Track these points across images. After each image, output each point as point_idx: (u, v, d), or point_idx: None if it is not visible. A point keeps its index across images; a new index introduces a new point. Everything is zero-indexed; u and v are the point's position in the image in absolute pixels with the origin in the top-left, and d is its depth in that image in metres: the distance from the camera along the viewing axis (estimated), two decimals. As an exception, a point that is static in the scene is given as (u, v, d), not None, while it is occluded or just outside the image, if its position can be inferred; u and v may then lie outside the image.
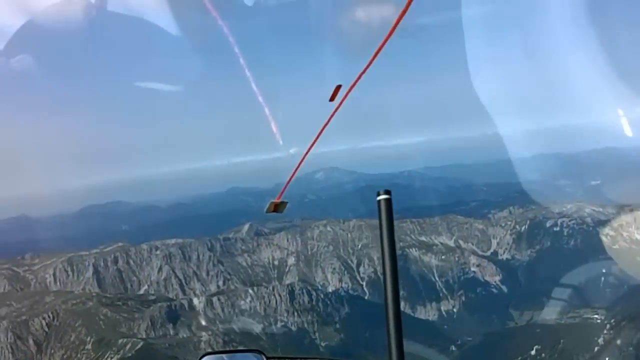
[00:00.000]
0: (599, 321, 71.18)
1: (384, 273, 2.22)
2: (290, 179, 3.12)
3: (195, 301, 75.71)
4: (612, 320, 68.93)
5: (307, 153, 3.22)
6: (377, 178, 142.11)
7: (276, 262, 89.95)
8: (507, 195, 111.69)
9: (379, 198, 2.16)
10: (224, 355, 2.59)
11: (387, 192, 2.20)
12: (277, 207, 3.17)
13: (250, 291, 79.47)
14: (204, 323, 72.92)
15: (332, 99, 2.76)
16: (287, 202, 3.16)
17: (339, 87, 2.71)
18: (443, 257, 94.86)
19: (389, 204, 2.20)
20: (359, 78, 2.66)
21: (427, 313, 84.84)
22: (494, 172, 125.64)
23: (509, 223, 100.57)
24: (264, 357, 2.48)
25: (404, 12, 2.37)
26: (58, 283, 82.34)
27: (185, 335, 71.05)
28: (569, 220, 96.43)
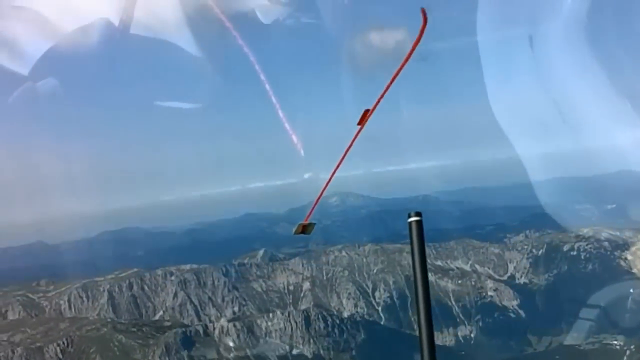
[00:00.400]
0: (618, 347, 69.36)
1: (415, 294, 2.24)
2: (317, 201, 3.13)
3: (210, 327, 74.69)
4: (632, 347, 67.15)
5: (332, 175, 3.24)
6: (391, 203, 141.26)
7: (291, 287, 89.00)
8: (522, 219, 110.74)
9: (410, 220, 2.17)
10: None
11: (418, 214, 2.20)
12: (305, 229, 3.19)
13: (266, 317, 78.42)
14: (219, 349, 71.81)
15: (360, 122, 2.76)
16: (314, 224, 3.18)
17: (367, 112, 2.70)
18: (459, 281, 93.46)
19: (420, 226, 2.22)
20: (378, 102, 2.71)
21: (444, 339, 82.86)
22: (509, 195, 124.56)
23: (526, 247, 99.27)
24: None
25: (419, 38, 2.44)
26: (73, 309, 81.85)
27: None
28: (586, 244, 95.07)
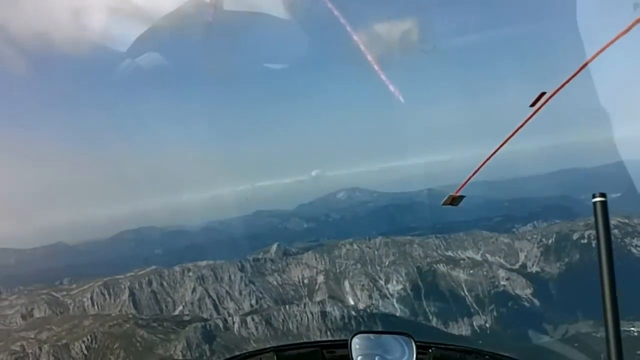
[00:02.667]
0: (636, 333, 68.13)
1: (600, 277, 1.98)
2: (472, 175, 2.83)
3: (230, 321, 74.42)
4: (650, 332, 66.06)
5: (495, 152, 2.87)
6: (398, 197, 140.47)
7: (306, 281, 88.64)
8: (530, 210, 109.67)
9: (594, 200, 1.89)
10: (371, 335, 2.29)
11: (603, 194, 1.96)
12: (454, 200, 2.96)
13: (282, 309, 78.06)
14: (239, 341, 71.44)
15: (533, 104, 2.44)
16: (464, 197, 2.93)
17: (542, 94, 2.39)
18: (471, 271, 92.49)
19: (605, 207, 1.96)
20: (563, 85, 2.33)
21: (459, 328, 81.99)
22: (514, 188, 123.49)
23: (535, 236, 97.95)
24: (412, 340, 2.26)
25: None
26: (96, 306, 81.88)
27: (221, 356, 69.58)
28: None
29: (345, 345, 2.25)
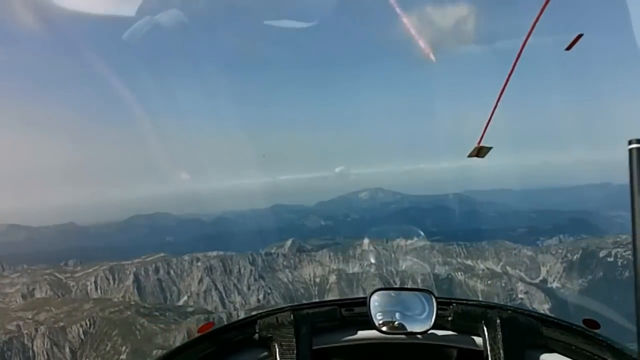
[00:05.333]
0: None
1: (633, 227, 1.62)
2: (487, 123, 2.30)
3: (235, 315, 69.27)
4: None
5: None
6: (421, 200, 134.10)
7: (317, 280, 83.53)
8: (556, 223, 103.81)
9: (630, 147, 1.69)
10: (391, 292, 2.14)
11: (639, 140, 1.74)
12: (480, 151, 2.51)
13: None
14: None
15: (569, 48, 2.04)
16: (491, 148, 2.41)
17: (579, 36, 2.00)
18: (489, 282, 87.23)
19: None
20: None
21: (475, 341, 75.85)
22: (542, 199, 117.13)
23: (560, 251, 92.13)
24: (433, 296, 2.12)
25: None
26: (99, 290, 77.67)
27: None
28: (624, 251, 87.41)
29: (364, 303, 2.14)
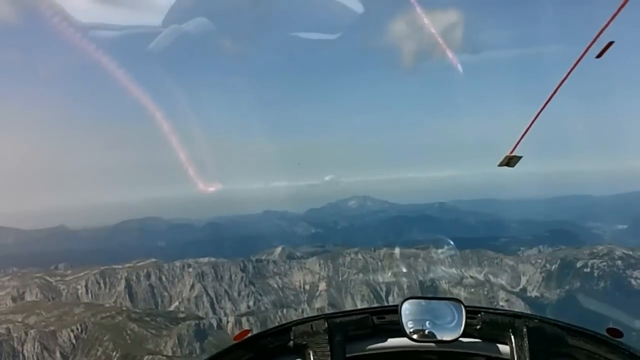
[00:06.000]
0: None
1: None
2: (524, 133, 2.45)
3: (225, 320, 69.73)
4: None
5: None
6: (408, 209, 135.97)
7: (307, 287, 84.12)
8: (536, 233, 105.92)
9: None
10: (422, 301, 2.21)
11: None
12: (510, 161, 2.71)
13: (280, 313, 73.65)
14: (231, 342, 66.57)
15: (599, 55, 2.18)
16: (521, 157, 2.60)
17: (610, 44, 2.12)
18: (472, 289, 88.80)
19: None
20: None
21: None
22: (524, 209, 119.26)
23: (539, 261, 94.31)
24: (462, 305, 2.16)
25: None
26: (90, 295, 77.16)
27: (211, 355, 64.80)
28: (600, 262, 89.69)
29: (395, 311, 2.17)
